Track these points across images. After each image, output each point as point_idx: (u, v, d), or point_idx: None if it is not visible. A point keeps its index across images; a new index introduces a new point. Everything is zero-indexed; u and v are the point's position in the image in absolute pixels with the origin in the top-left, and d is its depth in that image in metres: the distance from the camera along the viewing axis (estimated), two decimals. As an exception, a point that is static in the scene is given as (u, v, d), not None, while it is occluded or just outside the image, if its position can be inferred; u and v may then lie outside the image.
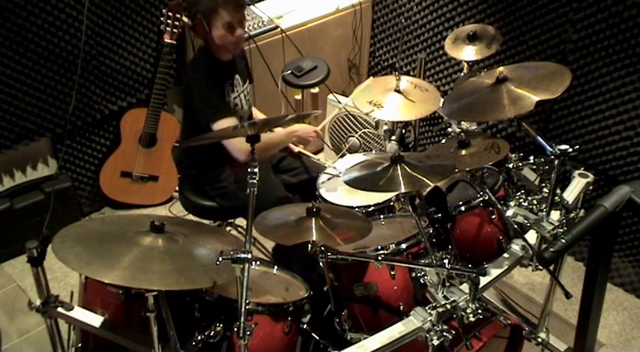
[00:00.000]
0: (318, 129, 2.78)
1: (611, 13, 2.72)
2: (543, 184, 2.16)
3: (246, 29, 2.55)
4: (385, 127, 3.24)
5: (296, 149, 2.87)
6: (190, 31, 2.50)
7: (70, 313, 1.93)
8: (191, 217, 2.81)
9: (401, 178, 1.87)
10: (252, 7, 3.44)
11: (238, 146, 2.43)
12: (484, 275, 1.88)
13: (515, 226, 2.17)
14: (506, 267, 2.11)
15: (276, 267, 2.11)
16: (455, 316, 1.81)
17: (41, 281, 1.89)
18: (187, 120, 2.70)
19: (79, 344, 2.08)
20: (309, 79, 3.15)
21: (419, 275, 2.00)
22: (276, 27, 3.36)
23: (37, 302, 1.92)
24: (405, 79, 2.53)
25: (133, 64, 3.33)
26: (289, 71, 3.16)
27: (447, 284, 1.83)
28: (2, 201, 3.11)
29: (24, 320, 2.84)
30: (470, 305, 1.79)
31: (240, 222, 3.09)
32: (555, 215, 2.14)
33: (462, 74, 2.89)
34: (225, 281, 1.70)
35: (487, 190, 2.18)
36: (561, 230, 2.08)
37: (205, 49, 2.52)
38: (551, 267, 2.36)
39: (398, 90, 2.48)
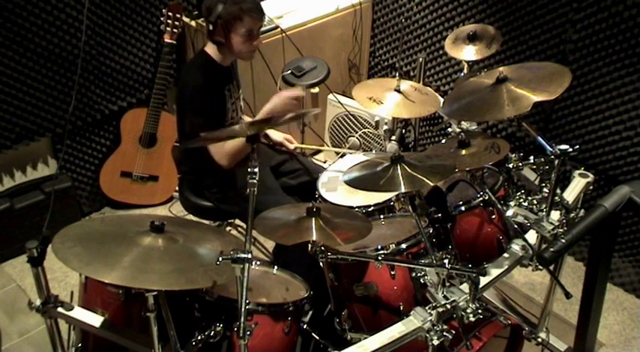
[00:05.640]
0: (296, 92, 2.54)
1: (611, 13, 2.72)
2: (543, 184, 2.16)
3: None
4: (385, 127, 3.24)
5: (291, 146, 2.85)
6: (207, 36, 2.44)
7: (70, 313, 1.93)
8: (191, 217, 2.81)
9: (401, 178, 1.86)
10: (252, 7, 3.44)
11: (220, 152, 2.42)
12: (484, 275, 1.87)
13: (515, 226, 2.17)
14: (506, 267, 2.11)
15: (276, 267, 2.11)
16: (455, 316, 1.81)
17: (41, 281, 1.89)
18: (180, 123, 2.65)
19: (79, 344, 2.08)
20: (309, 79, 3.15)
21: (419, 275, 2.00)
22: (276, 27, 3.36)
23: (37, 302, 1.92)
24: (406, 83, 2.53)
25: (133, 64, 3.33)
26: (289, 71, 3.16)
27: (447, 284, 1.83)
28: (2, 201, 3.11)
29: (24, 320, 2.84)
30: (470, 305, 1.79)
31: (240, 222, 3.10)
32: (555, 215, 2.13)
33: (462, 74, 2.89)
34: (225, 281, 1.70)
35: (487, 190, 2.18)
36: (561, 230, 2.08)
37: (206, 53, 2.49)
38: (551, 267, 2.36)
39: (398, 90, 2.48)
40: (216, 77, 2.49)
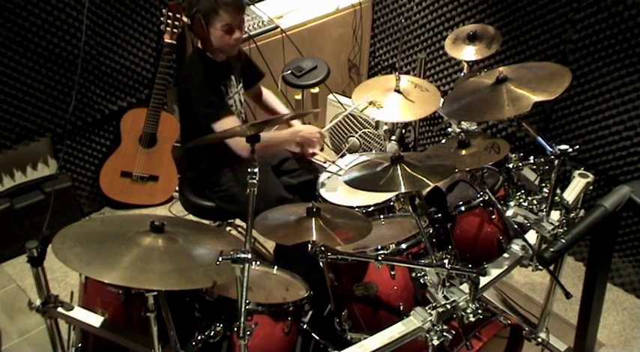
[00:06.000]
0: (322, 130, 2.77)
1: (611, 13, 2.72)
2: (543, 184, 2.16)
3: (246, 29, 2.55)
4: (385, 127, 3.24)
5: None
6: (189, 30, 2.49)
7: (70, 313, 1.93)
8: (191, 217, 2.81)
9: (401, 178, 1.87)
10: (252, 7, 3.44)
11: (241, 144, 2.43)
12: (484, 275, 1.88)
13: (515, 226, 2.17)
14: (506, 267, 2.11)
15: (276, 267, 2.11)
16: (455, 316, 1.81)
17: (41, 281, 1.89)
18: (185, 121, 2.68)
19: (79, 344, 2.08)
20: (309, 79, 3.15)
21: (419, 275, 2.00)
22: (276, 27, 3.36)
23: (37, 302, 1.92)
24: (405, 79, 2.53)
25: (133, 64, 3.33)
26: (289, 71, 3.16)
27: (447, 284, 1.83)
28: (2, 201, 3.11)
29: (24, 320, 2.84)
30: (470, 305, 1.79)
31: (240, 222, 3.10)
32: (555, 215, 2.14)
33: (462, 74, 2.89)
34: (225, 281, 1.70)
35: (487, 190, 2.18)
36: (561, 230, 2.08)
37: (200, 50, 2.52)
38: (551, 267, 2.36)
39: (398, 90, 2.48)
40: (212, 71, 2.51)
